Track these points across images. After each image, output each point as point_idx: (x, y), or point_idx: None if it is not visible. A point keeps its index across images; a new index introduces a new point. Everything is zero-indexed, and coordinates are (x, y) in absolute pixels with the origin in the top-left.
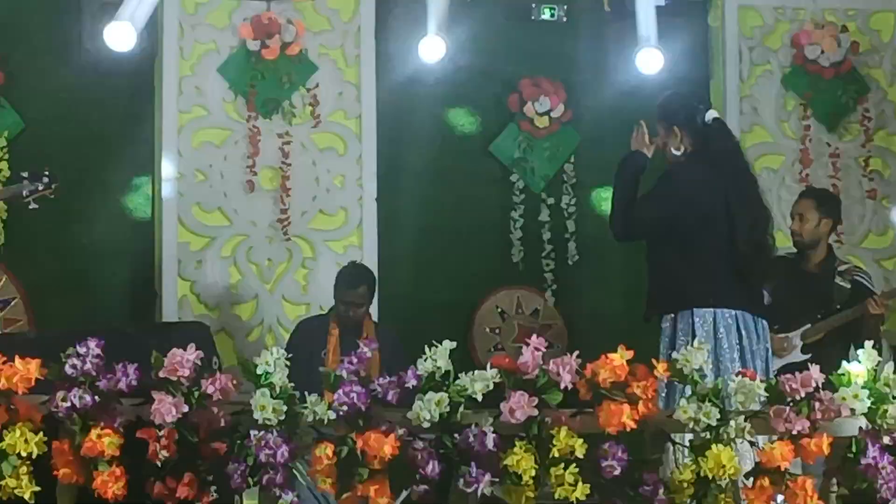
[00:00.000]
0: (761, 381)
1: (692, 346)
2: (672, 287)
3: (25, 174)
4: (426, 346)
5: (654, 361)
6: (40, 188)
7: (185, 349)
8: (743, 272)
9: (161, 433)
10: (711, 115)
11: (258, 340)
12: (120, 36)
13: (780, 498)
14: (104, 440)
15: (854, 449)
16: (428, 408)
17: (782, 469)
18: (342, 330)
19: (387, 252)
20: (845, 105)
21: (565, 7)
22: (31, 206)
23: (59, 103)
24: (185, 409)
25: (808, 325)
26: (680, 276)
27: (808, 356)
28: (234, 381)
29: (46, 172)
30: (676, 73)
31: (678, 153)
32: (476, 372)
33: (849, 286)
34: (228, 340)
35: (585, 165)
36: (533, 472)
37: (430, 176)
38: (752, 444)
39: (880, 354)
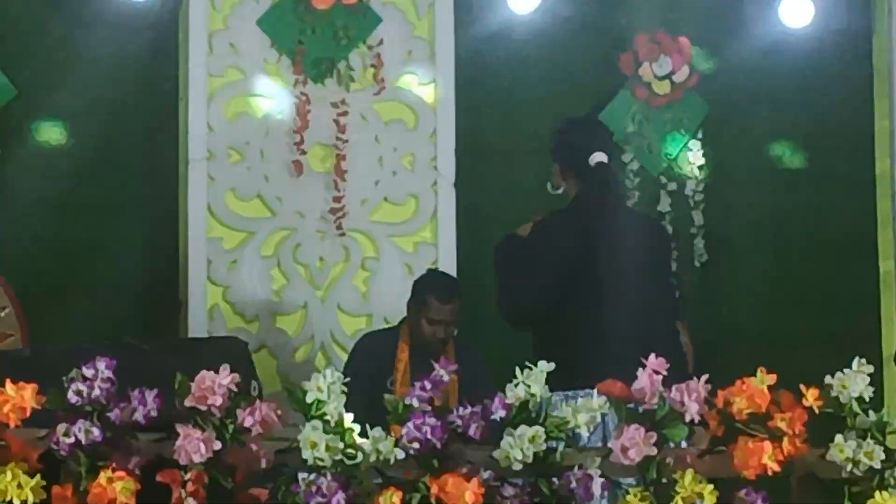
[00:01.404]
0: None
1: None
2: None
3: None
4: (517, 368)
5: (802, 388)
6: None
7: (216, 371)
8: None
9: (187, 476)
10: (596, 158)
11: (307, 360)
12: None
13: None
14: (116, 485)
15: None
16: (520, 445)
17: None
18: (416, 353)
19: (468, 251)
20: None
21: None
22: None
23: (58, 65)
24: (218, 446)
25: None
26: None
27: None
28: (278, 412)
29: None
30: (830, 27)
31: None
32: (580, 400)
33: None
34: (271, 360)
35: (716, 142)
36: None
37: (522, 156)
38: None
39: None
